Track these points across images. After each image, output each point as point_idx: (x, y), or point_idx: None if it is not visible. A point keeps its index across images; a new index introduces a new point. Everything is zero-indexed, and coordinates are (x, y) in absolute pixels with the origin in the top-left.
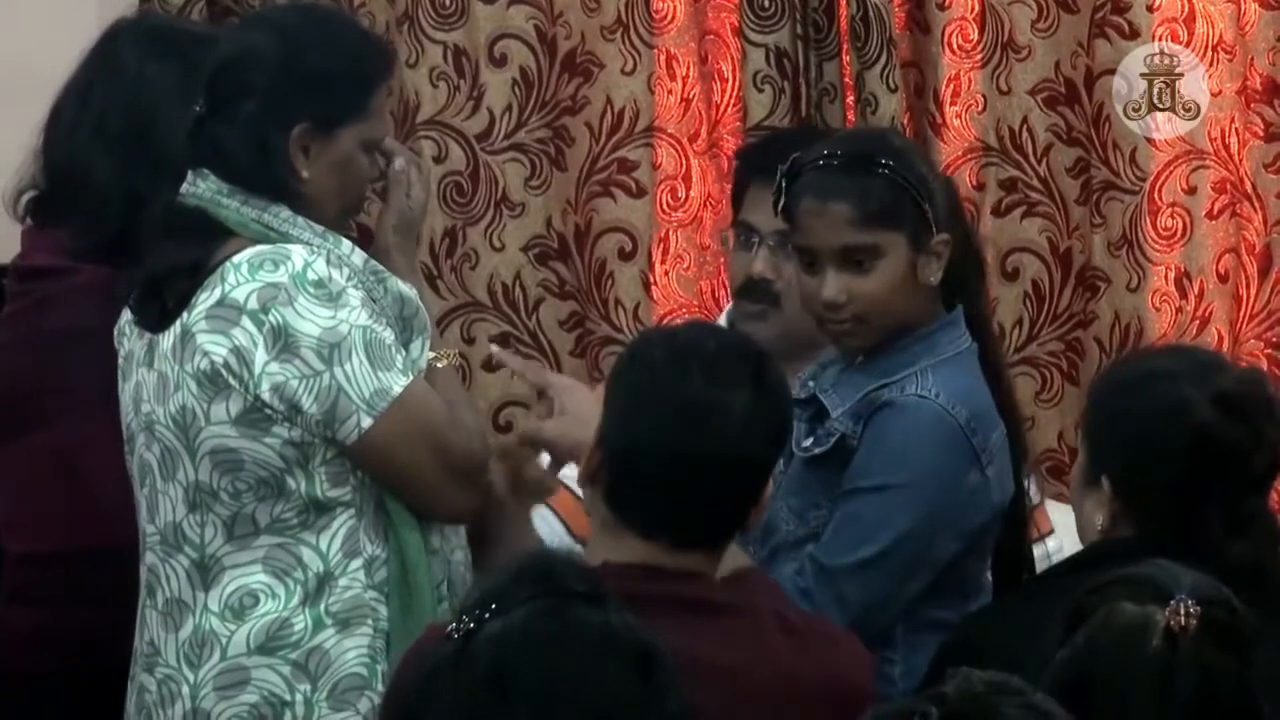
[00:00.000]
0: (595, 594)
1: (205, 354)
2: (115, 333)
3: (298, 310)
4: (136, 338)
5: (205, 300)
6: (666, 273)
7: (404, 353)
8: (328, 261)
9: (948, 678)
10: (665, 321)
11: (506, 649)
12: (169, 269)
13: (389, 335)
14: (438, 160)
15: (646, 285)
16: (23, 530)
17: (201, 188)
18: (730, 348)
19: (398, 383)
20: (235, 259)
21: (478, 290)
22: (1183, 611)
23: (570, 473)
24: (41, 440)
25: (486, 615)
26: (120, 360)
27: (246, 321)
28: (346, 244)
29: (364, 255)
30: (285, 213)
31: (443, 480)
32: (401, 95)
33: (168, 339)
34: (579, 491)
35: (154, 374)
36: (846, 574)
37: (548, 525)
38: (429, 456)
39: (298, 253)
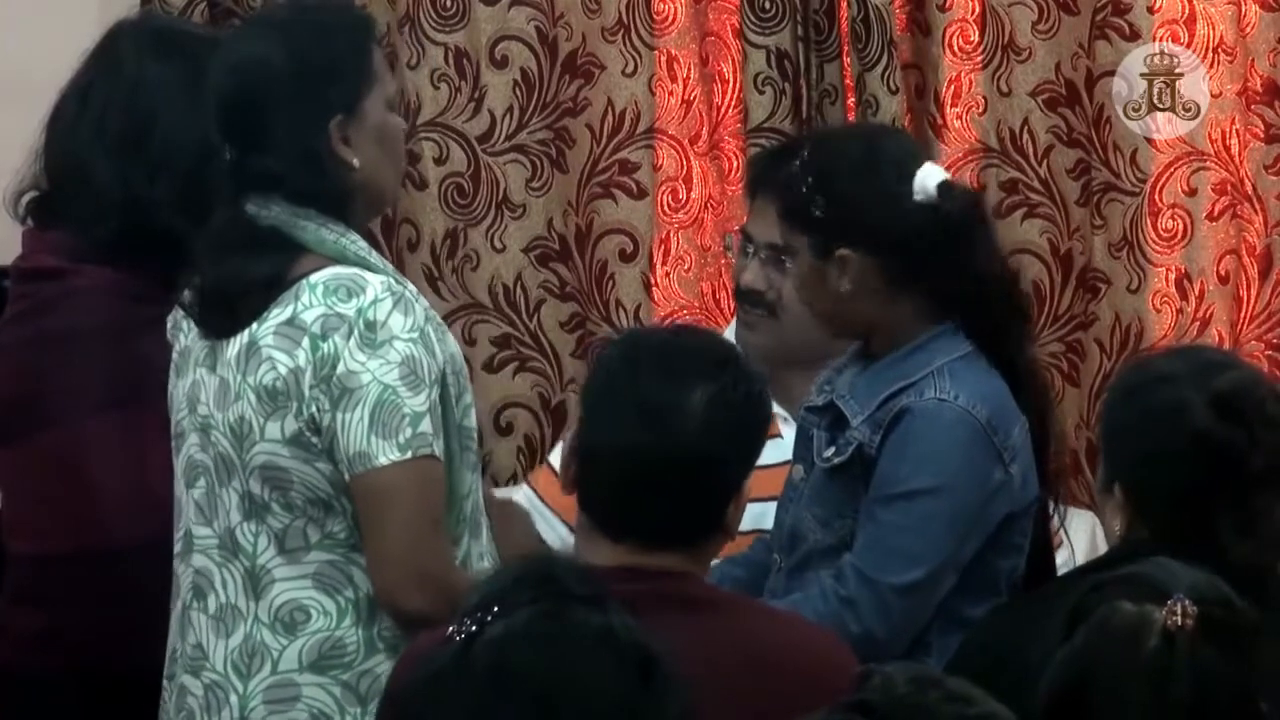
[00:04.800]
0: (596, 596)
1: (270, 369)
2: (169, 326)
3: (347, 344)
4: (197, 336)
5: (277, 316)
6: (667, 274)
7: (417, 428)
8: (396, 302)
9: (865, 680)
10: (665, 323)
11: (508, 651)
12: (242, 284)
13: (415, 404)
14: (439, 162)
15: (647, 287)
16: (26, 531)
17: (275, 210)
18: (689, 344)
19: (386, 455)
20: (313, 278)
21: (479, 292)
22: (1180, 611)
23: (554, 457)
24: (44, 442)
25: (488, 618)
26: (175, 355)
27: (307, 344)
28: (412, 286)
29: (426, 303)
30: (362, 242)
31: (387, 563)
32: (403, 97)
33: (233, 346)
34: (556, 466)
35: (215, 378)
36: (896, 593)
37: (525, 500)
38: (381, 536)
39: (373, 286)
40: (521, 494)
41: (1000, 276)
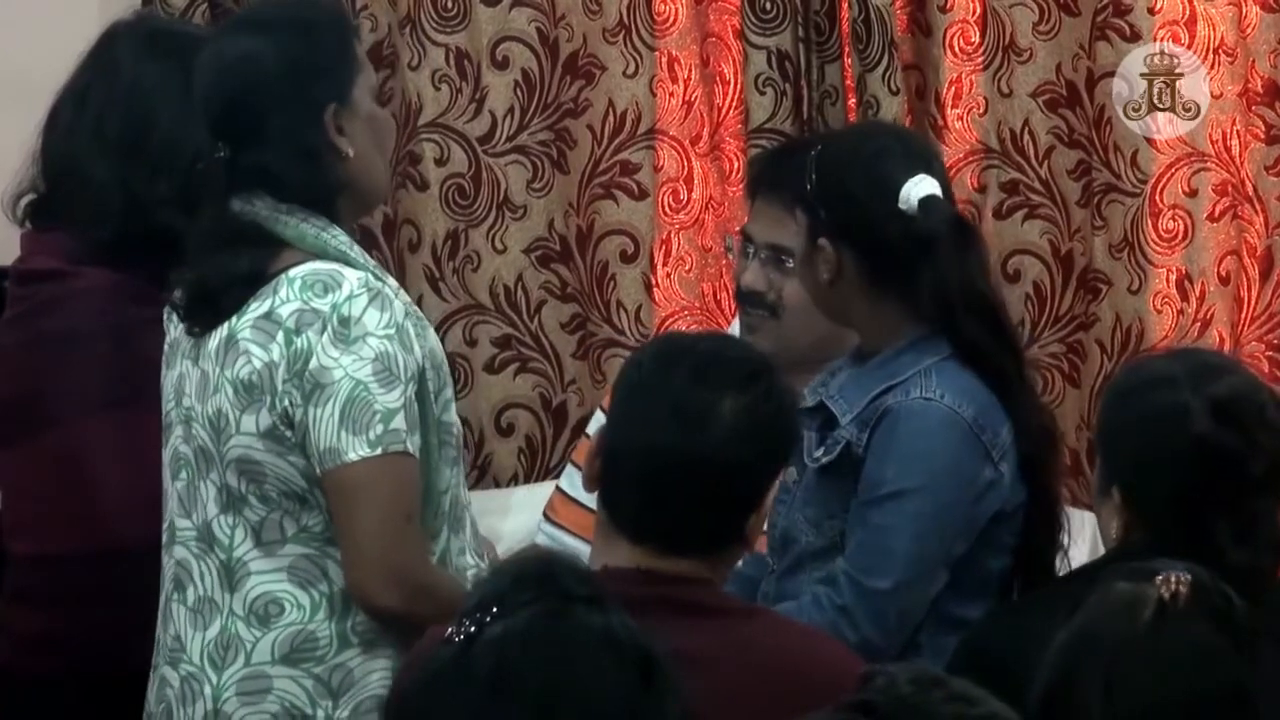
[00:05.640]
0: (596, 597)
1: (246, 363)
2: (164, 315)
3: (321, 339)
4: (184, 330)
5: (255, 310)
6: (668, 275)
7: (389, 424)
8: (372, 298)
9: (868, 680)
10: (667, 324)
11: (508, 653)
12: (225, 279)
13: (387, 400)
14: (440, 163)
15: (648, 287)
16: (27, 533)
17: (258, 206)
18: (726, 353)
19: (355, 451)
20: (291, 273)
21: (479, 292)
22: (1174, 580)
23: (564, 483)
24: (44, 443)
25: (487, 619)
26: (166, 346)
27: (281, 338)
28: (393, 281)
29: (407, 297)
30: (344, 236)
31: (359, 558)
32: (404, 98)
33: (214, 339)
34: (567, 489)
35: (198, 370)
36: (890, 596)
37: (547, 539)
38: (352, 532)
39: (349, 282)
40: (541, 536)
41: (978, 301)
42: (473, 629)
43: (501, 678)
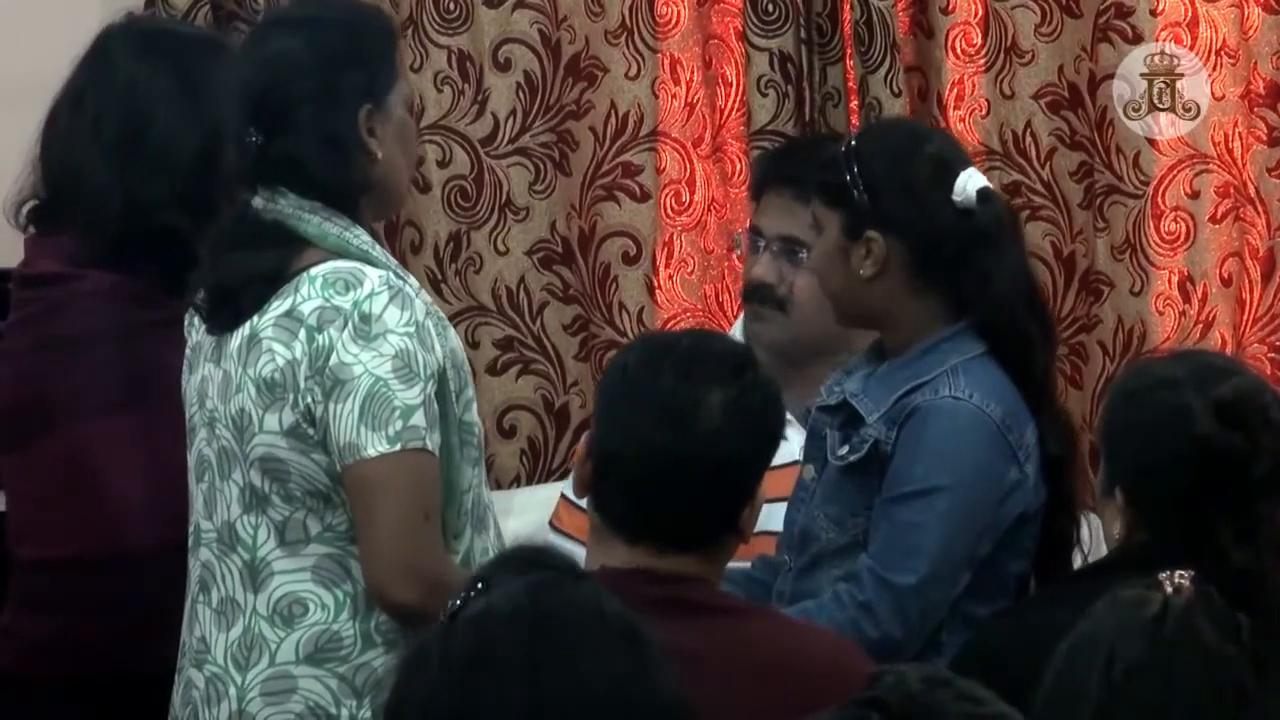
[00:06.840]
0: (580, 572)
1: (268, 361)
2: (185, 322)
3: (341, 336)
4: (205, 332)
5: (277, 308)
6: (670, 277)
7: (409, 420)
8: (393, 296)
9: (878, 678)
10: (669, 326)
11: (490, 626)
12: (245, 277)
13: (407, 397)
14: (442, 165)
15: (650, 289)
16: (33, 537)
17: (281, 204)
18: (708, 348)
19: (375, 446)
20: (313, 271)
21: (482, 294)
22: (1178, 575)
23: (568, 488)
24: (51, 447)
25: (472, 594)
26: (187, 351)
27: (303, 335)
28: (414, 280)
29: (429, 298)
30: (366, 236)
31: (376, 554)
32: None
33: (235, 339)
34: (571, 495)
35: (220, 371)
36: (913, 593)
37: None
38: (371, 528)
39: (370, 280)
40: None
41: (1023, 292)
42: (458, 604)
43: (483, 650)
